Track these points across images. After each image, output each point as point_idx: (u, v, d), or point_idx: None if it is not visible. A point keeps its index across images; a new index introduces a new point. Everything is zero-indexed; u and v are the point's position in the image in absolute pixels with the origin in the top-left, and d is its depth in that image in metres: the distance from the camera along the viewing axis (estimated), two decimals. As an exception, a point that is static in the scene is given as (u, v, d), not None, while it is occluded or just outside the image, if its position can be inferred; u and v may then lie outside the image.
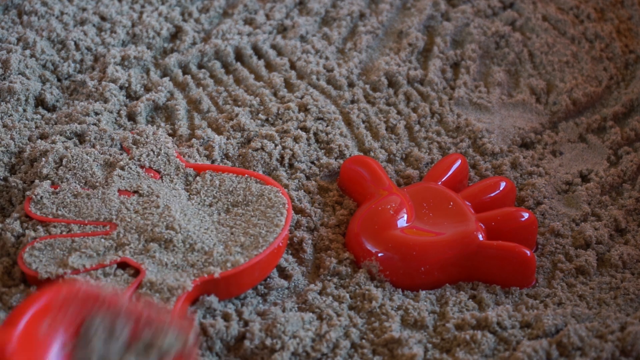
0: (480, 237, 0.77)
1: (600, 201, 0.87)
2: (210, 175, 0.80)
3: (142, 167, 0.81)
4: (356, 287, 0.76)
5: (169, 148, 0.83)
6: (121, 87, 0.92)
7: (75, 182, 0.79)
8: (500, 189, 0.83)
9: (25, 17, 0.98)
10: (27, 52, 0.93)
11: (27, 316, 0.62)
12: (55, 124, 0.87)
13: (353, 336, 0.72)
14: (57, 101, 0.90)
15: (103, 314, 0.63)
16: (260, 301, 0.74)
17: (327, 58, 0.98)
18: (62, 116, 0.88)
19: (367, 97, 0.95)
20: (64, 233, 0.74)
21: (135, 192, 0.78)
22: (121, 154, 0.82)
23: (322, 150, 0.88)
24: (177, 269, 0.72)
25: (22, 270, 0.72)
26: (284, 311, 0.73)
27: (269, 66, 0.97)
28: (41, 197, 0.77)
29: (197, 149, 0.86)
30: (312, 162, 0.87)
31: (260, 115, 0.91)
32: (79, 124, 0.86)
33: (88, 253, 0.72)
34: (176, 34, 1.00)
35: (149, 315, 0.64)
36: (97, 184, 0.79)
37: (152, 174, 0.80)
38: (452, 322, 0.73)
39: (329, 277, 0.77)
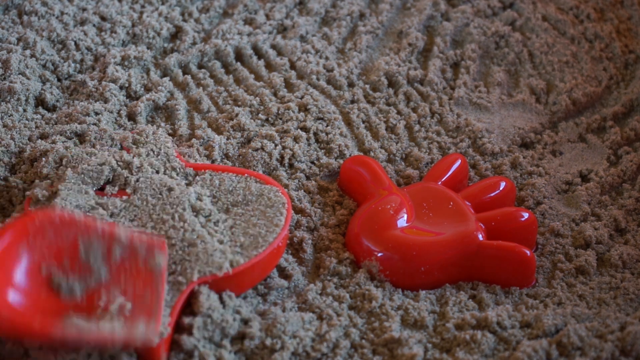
0: (480, 237, 0.77)
1: (600, 201, 0.87)
2: (210, 175, 0.80)
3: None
4: (356, 287, 0.76)
5: (169, 148, 0.83)
6: (121, 87, 0.92)
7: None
8: (500, 189, 0.83)
9: (25, 17, 0.98)
10: (27, 52, 0.93)
11: (2, 243, 0.67)
12: (55, 124, 0.87)
13: (353, 336, 0.72)
14: (57, 101, 0.90)
15: (87, 237, 0.69)
16: (260, 301, 0.74)
17: (327, 58, 0.98)
18: (62, 116, 0.88)
19: (367, 97, 0.95)
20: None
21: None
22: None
23: (322, 150, 0.88)
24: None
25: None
26: (284, 311, 0.73)
27: (269, 66, 0.97)
28: (41, 197, 0.77)
29: (197, 149, 0.86)
30: (312, 162, 0.87)
31: (260, 115, 0.91)
32: (79, 124, 0.86)
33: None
34: (176, 34, 1.00)
35: (126, 236, 0.70)
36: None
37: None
38: (452, 322, 0.73)
39: (329, 277, 0.77)
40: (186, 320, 0.70)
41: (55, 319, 0.66)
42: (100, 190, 0.77)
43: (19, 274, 0.68)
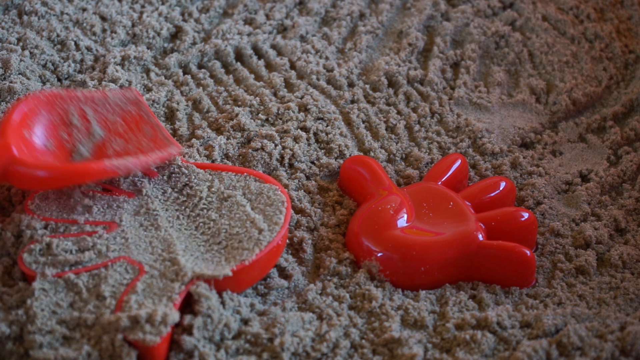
0: (480, 237, 0.77)
1: (600, 201, 0.87)
2: (210, 174, 0.80)
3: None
4: (356, 287, 0.76)
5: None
6: (121, 87, 0.92)
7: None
8: (500, 189, 0.83)
9: (25, 17, 0.98)
10: (27, 52, 0.93)
11: (11, 126, 0.74)
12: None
13: (353, 336, 0.72)
14: (57, 101, 0.90)
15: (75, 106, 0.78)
16: (260, 301, 0.74)
17: (327, 58, 0.98)
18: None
19: (367, 97, 0.95)
20: (64, 233, 0.74)
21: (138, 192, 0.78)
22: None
23: (322, 150, 0.88)
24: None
25: (22, 270, 0.72)
26: (284, 311, 0.73)
27: (269, 66, 0.97)
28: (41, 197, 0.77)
29: (197, 149, 0.86)
30: (312, 162, 0.87)
31: (260, 115, 0.91)
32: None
33: (88, 252, 0.73)
34: (176, 34, 1.00)
35: (102, 94, 0.80)
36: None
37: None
38: (452, 322, 0.73)
39: (329, 277, 0.77)
40: (186, 320, 0.70)
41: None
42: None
43: (32, 151, 0.74)
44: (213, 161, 0.85)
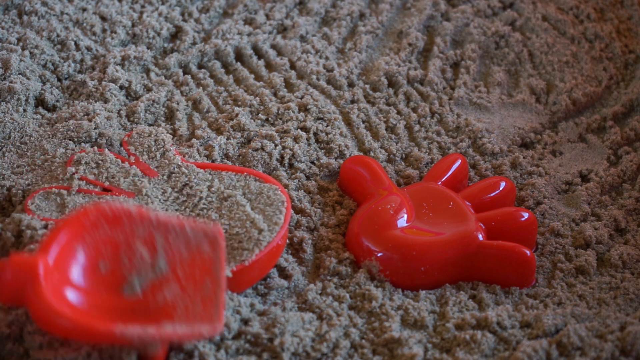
0: (480, 237, 0.77)
1: (600, 201, 0.87)
2: (210, 173, 0.80)
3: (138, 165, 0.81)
4: (356, 287, 0.76)
5: (168, 146, 0.83)
6: (121, 87, 0.92)
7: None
8: (500, 189, 0.83)
9: (25, 17, 0.98)
10: (27, 52, 0.93)
11: (60, 242, 0.66)
12: (55, 123, 0.87)
13: (353, 336, 0.72)
14: (57, 101, 0.90)
15: (141, 230, 0.68)
16: (260, 301, 0.74)
17: (327, 58, 0.98)
18: (62, 116, 0.88)
19: (367, 97, 0.95)
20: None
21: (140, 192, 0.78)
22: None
23: (322, 150, 0.88)
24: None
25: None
26: (284, 311, 0.73)
27: (269, 66, 0.97)
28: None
29: (197, 149, 0.86)
30: (312, 162, 0.87)
31: (260, 115, 0.91)
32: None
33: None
34: (176, 34, 1.00)
35: (179, 224, 0.69)
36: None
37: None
38: (452, 322, 0.73)
39: (329, 277, 0.77)
40: (186, 320, 0.70)
41: (117, 317, 0.65)
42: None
43: (77, 272, 0.67)
44: (213, 161, 0.85)
